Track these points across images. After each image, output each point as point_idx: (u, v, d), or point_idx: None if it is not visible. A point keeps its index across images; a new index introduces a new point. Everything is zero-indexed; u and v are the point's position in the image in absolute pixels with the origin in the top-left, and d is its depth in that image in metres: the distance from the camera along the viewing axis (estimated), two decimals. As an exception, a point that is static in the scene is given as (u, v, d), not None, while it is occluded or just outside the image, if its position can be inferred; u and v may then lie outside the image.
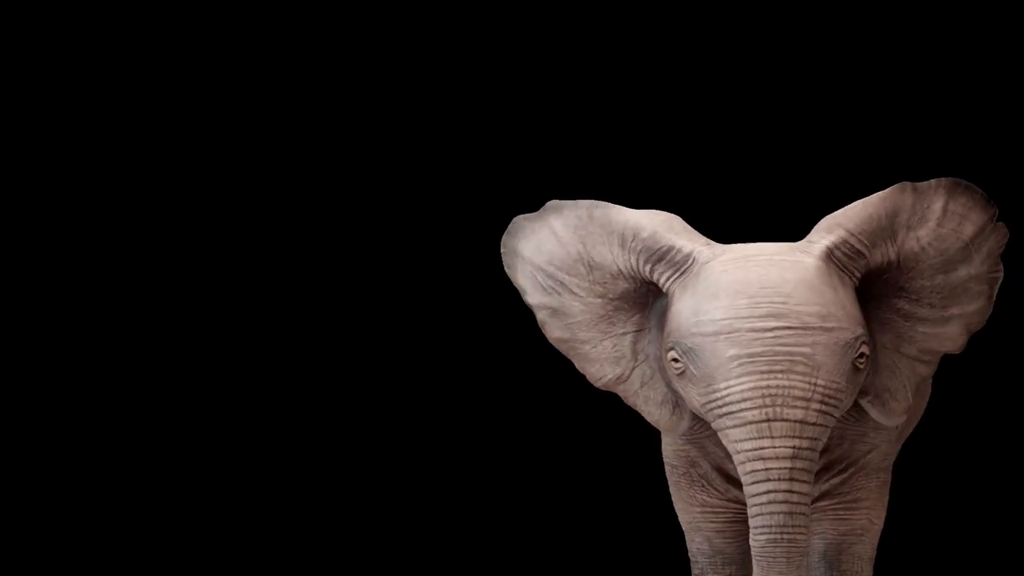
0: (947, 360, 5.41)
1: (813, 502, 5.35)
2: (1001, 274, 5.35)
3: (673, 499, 5.67)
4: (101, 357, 7.48)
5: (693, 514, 5.59)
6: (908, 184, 5.29)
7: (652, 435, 5.73)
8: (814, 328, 5.01)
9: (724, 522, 5.57)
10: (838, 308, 5.05)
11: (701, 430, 5.38)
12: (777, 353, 4.99)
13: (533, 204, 5.51)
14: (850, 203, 5.29)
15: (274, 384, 7.57)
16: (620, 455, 7.24)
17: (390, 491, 7.58)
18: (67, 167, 7.44)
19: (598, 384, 5.45)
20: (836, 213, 5.27)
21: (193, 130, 7.47)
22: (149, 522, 7.49)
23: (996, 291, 5.34)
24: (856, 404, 5.26)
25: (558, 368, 5.63)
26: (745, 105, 7.34)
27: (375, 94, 7.51)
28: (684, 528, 5.67)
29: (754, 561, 5.04)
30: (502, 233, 5.52)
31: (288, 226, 7.56)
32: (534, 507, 7.57)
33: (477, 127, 7.48)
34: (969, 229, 5.28)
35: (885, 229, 5.23)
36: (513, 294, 5.55)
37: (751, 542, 5.02)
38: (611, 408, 5.69)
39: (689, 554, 5.70)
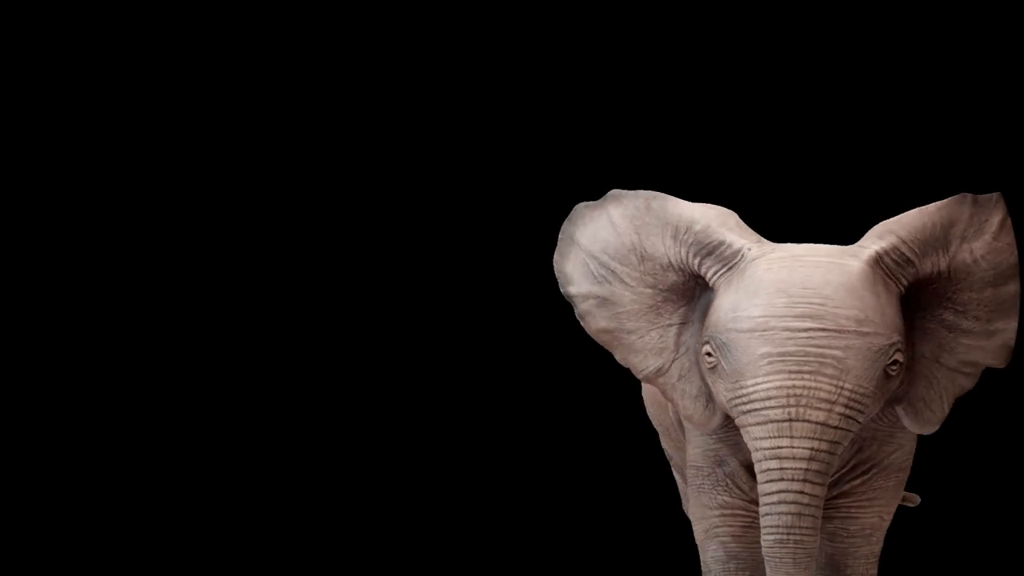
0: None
1: (831, 500, 5.35)
2: None
3: (692, 507, 5.63)
4: (101, 357, 7.52)
5: (711, 520, 5.53)
6: (967, 196, 5.24)
7: (654, 439, 5.71)
8: (849, 332, 4.99)
9: (741, 527, 5.51)
10: (877, 314, 5.02)
11: (733, 427, 5.33)
12: (808, 354, 4.97)
13: (552, 207, 5.54)
14: (908, 209, 5.25)
15: (275, 384, 7.60)
16: (620, 455, 7.20)
17: (390, 491, 7.60)
18: (67, 167, 7.49)
19: (640, 376, 5.46)
20: (890, 219, 5.24)
21: (193, 130, 7.50)
22: (149, 522, 7.53)
23: None
24: (891, 408, 5.22)
25: (557, 370, 5.61)
26: (808, 108, 7.25)
27: (378, 95, 7.50)
28: (699, 540, 5.62)
29: (765, 561, 5.03)
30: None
31: (289, 228, 7.58)
32: (535, 508, 7.56)
33: (477, 130, 7.45)
34: None
35: (939, 239, 5.19)
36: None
37: (761, 542, 5.02)
38: (611, 409, 5.67)
39: (702, 564, 5.64)
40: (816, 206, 7.04)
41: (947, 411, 5.28)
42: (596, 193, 5.48)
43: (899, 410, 5.23)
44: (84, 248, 7.51)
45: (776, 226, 5.49)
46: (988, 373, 5.29)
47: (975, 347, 5.23)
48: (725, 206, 5.42)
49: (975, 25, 7.08)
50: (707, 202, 5.41)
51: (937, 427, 5.31)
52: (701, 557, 5.63)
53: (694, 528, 5.64)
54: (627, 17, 7.31)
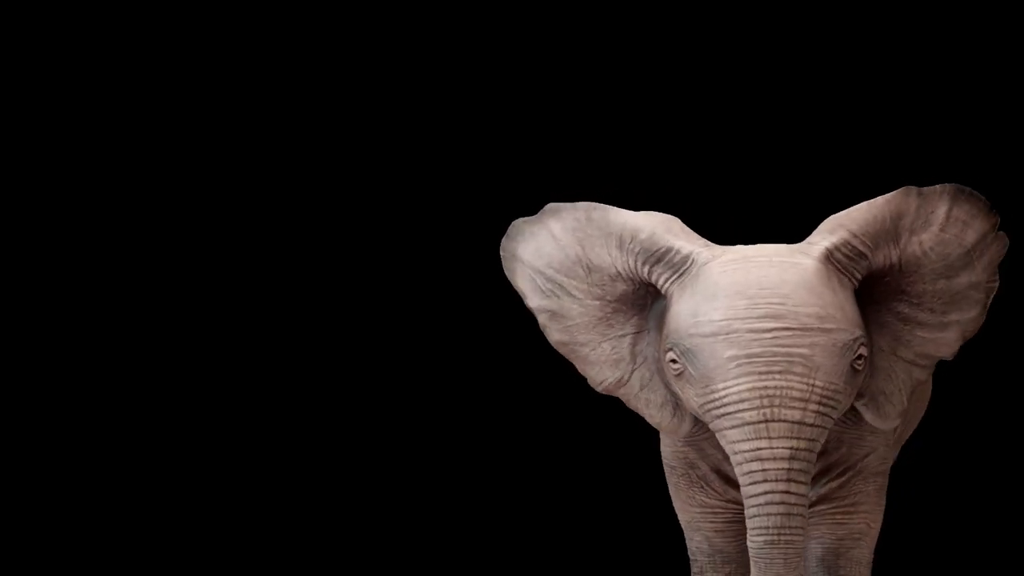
0: (946, 363, 5.39)
1: (811, 506, 5.37)
2: (997, 284, 5.37)
3: (672, 499, 5.67)
4: (101, 357, 7.49)
5: (692, 514, 5.59)
6: (913, 188, 5.28)
7: (651, 435, 5.71)
8: (813, 329, 4.99)
9: (723, 522, 5.57)
10: (837, 309, 5.03)
11: (699, 432, 5.36)
12: (775, 354, 4.97)
13: (529, 207, 5.51)
14: (851, 205, 5.27)
15: (274, 384, 7.57)
16: (620, 455, 7.20)
17: (390, 491, 7.58)
18: (67, 167, 7.45)
19: (599, 388, 5.43)
20: (840, 214, 5.26)
21: (193, 130, 7.48)
22: (149, 522, 7.50)
23: (991, 301, 5.34)
24: (853, 407, 5.23)
25: (558, 369, 5.59)
26: (744, 106, 7.35)
27: (373, 97, 7.51)
28: (683, 527, 5.67)
29: (751, 562, 5.02)
30: (500, 236, 5.50)
31: (289, 228, 7.56)
32: (534, 507, 7.55)
33: (475, 130, 7.48)
34: (971, 236, 5.27)
35: (888, 232, 5.22)
36: (513, 296, 5.52)
37: (748, 543, 5.01)
38: (610, 409, 5.65)
39: (689, 552, 5.70)
40: (751, 207, 7.12)
41: (905, 403, 5.31)
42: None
43: (859, 405, 5.24)
44: (84, 248, 7.44)
45: (713, 227, 5.49)
46: (989, 373, 5.35)
47: (929, 339, 5.27)
48: (664, 211, 5.40)
49: (975, 25, 7.21)
50: (646, 209, 5.40)
51: (898, 421, 5.35)
52: (687, 543, 5.66)
53: (679, 515, 5.66)
54: (610, 23, 7.34)
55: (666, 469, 5.62)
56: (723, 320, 5.00)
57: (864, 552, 5.51)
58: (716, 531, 5.57)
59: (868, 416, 5.27)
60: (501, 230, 5.52)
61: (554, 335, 5.42)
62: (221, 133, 7.49)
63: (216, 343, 7.54)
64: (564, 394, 6.63)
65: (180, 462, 7.52)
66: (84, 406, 7.49)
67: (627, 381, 5.36)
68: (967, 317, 5.27)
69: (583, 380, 5.47)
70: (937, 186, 5.28)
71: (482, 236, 5.86)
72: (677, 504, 5.63)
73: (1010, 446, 7.34)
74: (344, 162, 7.53)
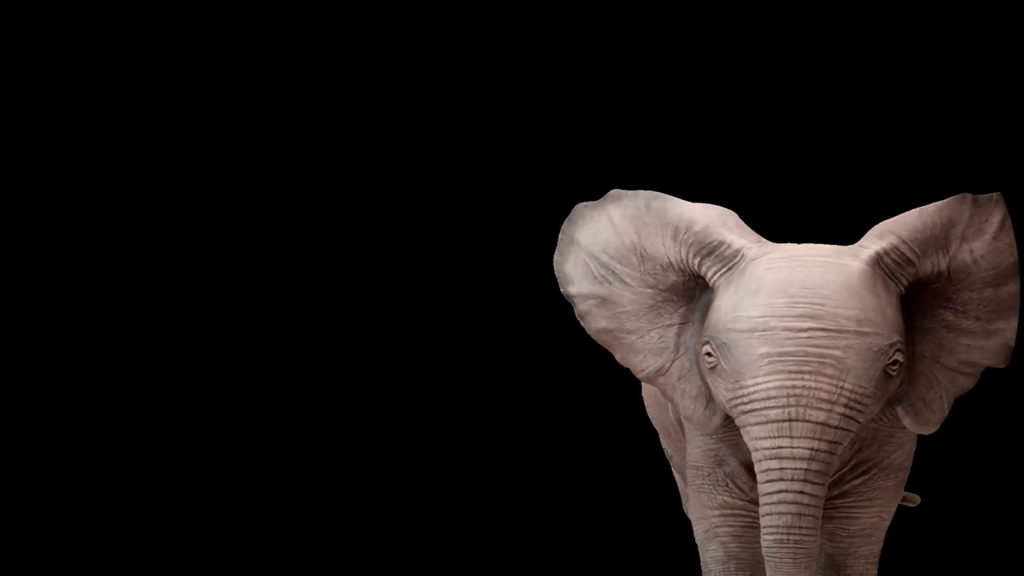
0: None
1: (830, 499, 5.34)
2: None
3: (692, 507, 5.64)
4: (101, 357, 7.56)
5: (711, 519, 5.55)
6: (967, 196, 5.25)
7: (653, 440, 5.70)
8: (849, 332, 4.99)
9: (741, 527, 5.52)
10: (877, 314, 5.02)
11: (732, 428, 5.35)
12: (808, 354, 4.98)
13: (564, 203, 5.54)
14: (907, 209, 5.25)
15: (274, 384, 7.64)
16: (620, 455, 7.21)
17: (390, 491, 7.64)
18: (67, 167, 7.52)
19: (640, 376, 5.47)
20: (890, 220, 5.25)
21: (193, 130, 7.54)
22: (149, 522, 7.57)
23: None
24: (891, 408, 5.22)
25: (558, 368, 5.62)
26: (808, 109, 7.28)
27: (377, 95, 7.54)
28: (699, 540, 5.63)
29: (765, 560, 5.04)
30: (504, 232, 5.53)
31: (289, 228, 7.62)
32: (535, 507, 7.58)
33: (485, 130, 7.49)
34: None
35: (939, 239, 5.19)
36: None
37: (761, 541, 5.03)
38: (611, 408, 5.68)
39: (702, 564, 5.65)
40: (816, 206, 7.06)
41: (947, 411, 5.28)
42: (596, 193, 5.49)
43: (899, 410, 5.24)
44: (84, 248, 7.54)
45: (776, 226, 5.50)
46: (988, 373, 5.29)
47: (975, 347, 5.24)
48: (725, 206, 5.43)
49: (975, 25, 7.09)
50: (707, 202, 5.43)
51: (937, 427, 5.32)
52: (701, 557, 5.63)
53: (694, 528, 5.65)
54: (627, 16, 7.33)
55: (691, 472, 5.58)
56: (761, 317, 5.03)
57: (874, 547, 5.52)
58: (733, 536, 5.53)
59: (907, 422, 5.27)
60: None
61: (599, 322, 5.45)
62: (221, 133, 7.55)
63: (217, 343, 7.61)
64: (564, 394, 6.67)
65: (181, 461, 7.59)
66: (84, 406, 7.55)
67: (667, 370, 5.40)
68: (1013, 325, 5.25)
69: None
70: (992, 194, 5.24)
71: (481, 237, 5.89)
72: (696, 512, 5.60)
73: (1010, 446, 7.26)
74: (346, 162, 7.56)
